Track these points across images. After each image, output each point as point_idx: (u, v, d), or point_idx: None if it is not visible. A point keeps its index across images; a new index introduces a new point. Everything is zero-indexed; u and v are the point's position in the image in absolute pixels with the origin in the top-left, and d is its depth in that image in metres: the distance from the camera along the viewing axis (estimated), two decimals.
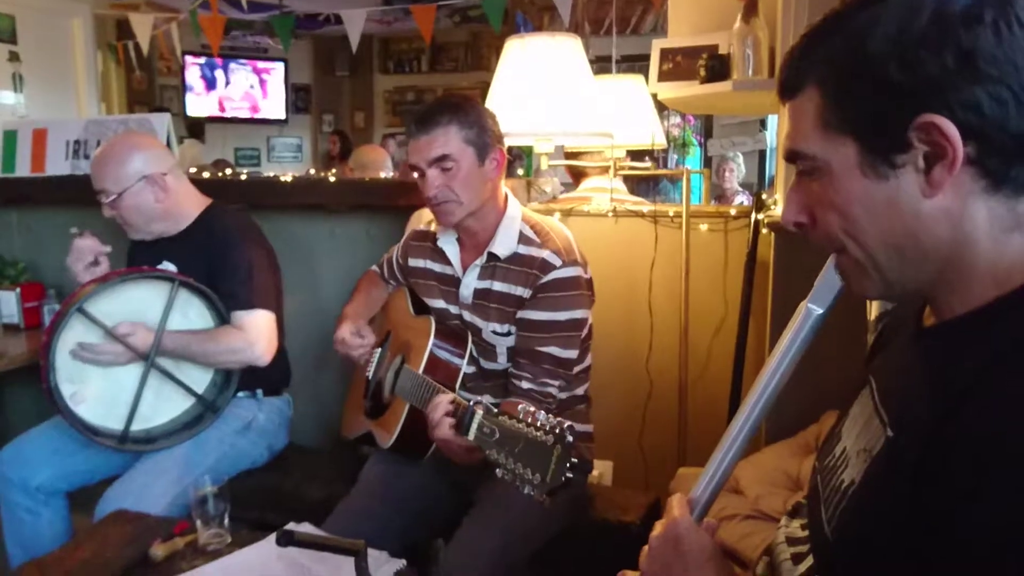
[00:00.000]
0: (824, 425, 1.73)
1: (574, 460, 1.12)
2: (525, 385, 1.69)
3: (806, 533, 0.84)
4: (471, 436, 1.31)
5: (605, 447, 2.31)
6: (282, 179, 2.61)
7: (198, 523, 1.58)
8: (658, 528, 0.87)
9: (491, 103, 2.06)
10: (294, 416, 2.28)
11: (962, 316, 0.71)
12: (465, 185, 1.68)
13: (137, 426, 1.96)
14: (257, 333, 1.97)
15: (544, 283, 1.68)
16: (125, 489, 1.88)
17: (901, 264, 0.73)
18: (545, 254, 1.69)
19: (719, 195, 5.37)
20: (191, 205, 2.10)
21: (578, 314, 1.71)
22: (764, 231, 2.08)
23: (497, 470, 1.22)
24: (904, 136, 0.68)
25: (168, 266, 2.06)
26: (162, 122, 2.60)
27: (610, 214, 2.38)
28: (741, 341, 2.13)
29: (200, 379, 2.04)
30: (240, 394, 2.11)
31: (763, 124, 5.68)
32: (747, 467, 1.66)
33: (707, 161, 6.06)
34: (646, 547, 0.89)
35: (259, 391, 2.16)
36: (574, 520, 1.78)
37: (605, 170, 2.57)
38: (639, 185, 5.05)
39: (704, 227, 2.30)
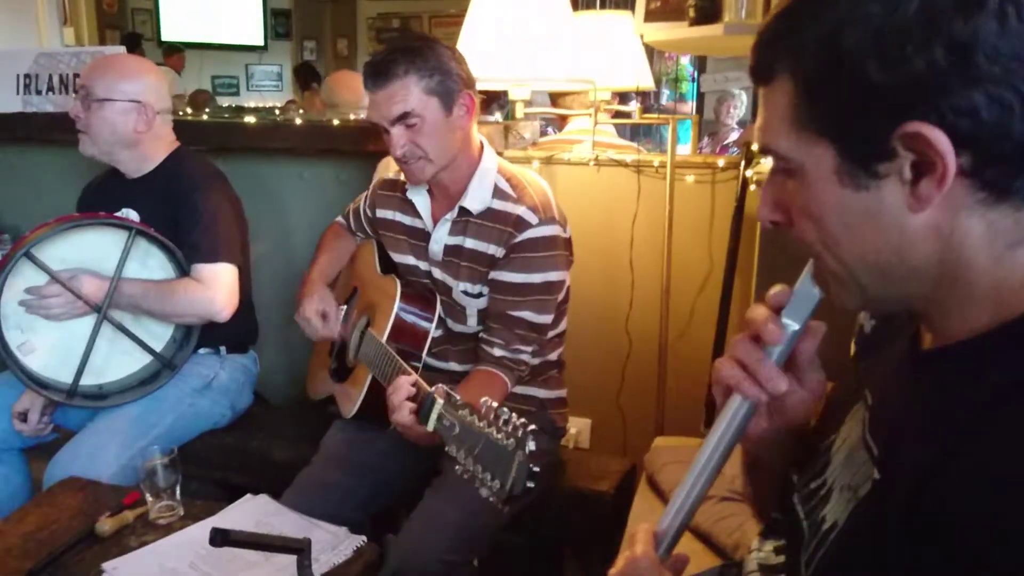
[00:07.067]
0: None
1: (535, 469, 1.03)
2: (497, 352, 1.60)
3: (781, 559, 0.76)
4: (430, 427, 1.23)
5: (583, 406, 2.24)
6: (246, 121, 2.45)
7: (148, 496, 1.50)
8: (619, 563, 0.79)
9: (461, 45, 1.90)
10: (261, 371, 2.19)
11: (962, 343, 0.62)
12: (433, 140, 1.55)
13: (88, 380, 1.86)
14: (218, 287, 1.87)
15: (519, 242, 1.57)
16: (76, 451, 1.79)
17: (884, 281, 0.64)
18: (520, 210, 1.57)
19: (712, 131, 5.19)
20: (161, 148, 2.00)
21: (553, 276, 1.61)
22: (752, 188, 1.96)
23: (456, 467, 1.14)
24: (887, 144, 0.58)
25: (129, 213, 1.95)
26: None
27: (592, 163, 2.25)
28: (726, 299, 2.03)
29: (159, 335, 1.93)
30: (201, 351, 2.02)
31: None
32: None
33: (700, 97, 5.86)
34: None
35: (222, 348, 2.06)
36: (545, 488, 1.72)
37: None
38: (630, 126, 4.87)
39: (691, 178, 2.18)
